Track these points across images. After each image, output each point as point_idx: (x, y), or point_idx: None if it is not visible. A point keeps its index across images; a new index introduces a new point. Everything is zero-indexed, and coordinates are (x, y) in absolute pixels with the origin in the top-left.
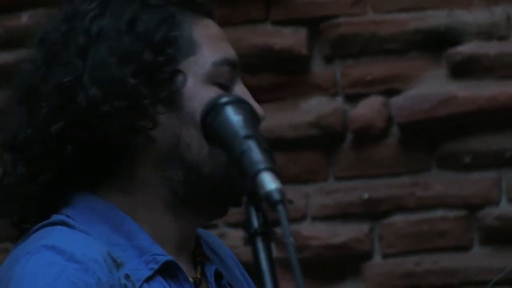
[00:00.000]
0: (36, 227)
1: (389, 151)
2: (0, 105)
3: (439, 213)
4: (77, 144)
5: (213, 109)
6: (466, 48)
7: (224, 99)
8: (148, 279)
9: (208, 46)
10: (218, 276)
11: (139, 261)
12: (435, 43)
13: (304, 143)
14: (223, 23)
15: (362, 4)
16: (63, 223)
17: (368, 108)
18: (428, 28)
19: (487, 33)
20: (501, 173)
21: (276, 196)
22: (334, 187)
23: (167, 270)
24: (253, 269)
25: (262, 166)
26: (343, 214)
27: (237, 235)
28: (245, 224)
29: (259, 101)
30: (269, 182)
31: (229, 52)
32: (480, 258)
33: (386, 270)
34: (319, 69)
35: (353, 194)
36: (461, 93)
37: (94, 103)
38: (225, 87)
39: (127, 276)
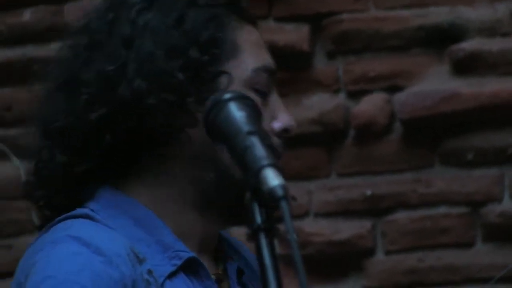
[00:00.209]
0: (59, 218)
1: (392, 148)
2: (37, 92)
3: (442, 209)
4: (114, 134)
5: (216, 105)
6: (469, 45)
7: (227, 95)
8: (170, 275)
9: (250, 51)
10: (240, 273)
11: (162, 256)
12: (438, 39)
13: (306, 140)
14: None
15: (365, 0)
16: (86, 216)
17: (371, 105)
18: (431, 24)
19: (490, 30)
20: (504, 170)
21: (280, 192)
22: (336, 184)
23: (190, 267)
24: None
25: (265, 162)
26: (346, 211)
27: (241, 232)
28: (248, 220)
29: None
30: (272, 178)
31: (269, 60)
32: (482, 255)
33: (388, 267)
34: (321, 65)
35: (356, 190)
36: (464, 89)
37: (139, 94)
38: (262, 94)
39: (149, 272)
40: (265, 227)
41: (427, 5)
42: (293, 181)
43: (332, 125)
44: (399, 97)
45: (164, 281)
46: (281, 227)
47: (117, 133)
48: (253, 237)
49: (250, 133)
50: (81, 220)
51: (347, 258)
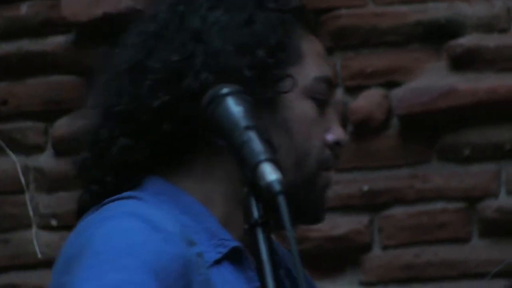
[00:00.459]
0: (107, 200)
1: (389, 143)
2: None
3: (439, 205)
4: (173, 123)
5: (214, 100)
6: (467, 41)
7: (225, 90)
8: (216, 262)
9: (312, 60)
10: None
11: (208, 243)
12: (435, 35)
13: None
14: None
15: None
16: (136, 199)
17: (368, 100)
18: (429, 20)
19: (487, 26)
20: (501, 166)
21: (277, 187)
22: (334, 179)
23: (233, 256)
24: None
25: (262, 157)
26: (343, 206)
27: None
28: (245, 215)
29: None
30: (270, 173)
31: (330, 72)
32: (479, 250)
33: (385, 262)
34: None
35: (353, 186)
36: (462, 85)
37: (206, 86)
38: (320, 103)
39: (199, 255)
40: (262, 222)
41: (425, 1)
42: None
43: None
44: (397, 92)
45: (210, 266)
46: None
47: (176, 123)
48: (250, 231)
49: (247, 128)
50: (133, 200)
51: (344, 253)
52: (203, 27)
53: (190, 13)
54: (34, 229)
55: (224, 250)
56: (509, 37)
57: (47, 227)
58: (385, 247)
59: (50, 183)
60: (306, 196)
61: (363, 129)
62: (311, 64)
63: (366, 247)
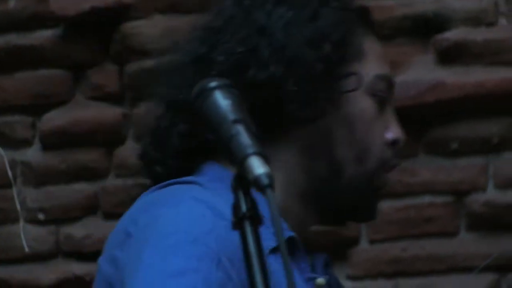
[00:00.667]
0: (170, 181)
1: None
2: (165, 67)
3: (426, 199)
4: None
5: (202, 93)
6: (454, 35)
7: (213, 84)
8: (272, 251)
9: (374, 59)
10: (326, 266)
11: (265, 231)
12: (423, 29)
13: None
14: (209, 8)
15: None
16: (197, 184)
17: None
18: (416, 14)
19: (475, 19)
20: (489, 160)
21: (265, 181)
22: None
23: (288, 247)
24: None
25: (250, 150)
26: None
27: None
28: (233, 208)
29: None
30: (258, 167)
31: (390, 72)
32: (467, 244)
33: (372, 256)
34: None
35: None
36: (449, 79)
37: (276, 79)
38: (380, 102)
39: None
40: (250, 215)
41: None
42: None
43: None
44: None
45: (268, 254)
46: None
47: None
48: (238, 225)
49: (235, 121)
50: (195, 186)
51: (332, 247)
52: (268, 21)
53: (255, 8)
54: (21, 223)
55: None
56: (496, 31)
57: (34, 221)
58: (372, 241)
59: (38, 177)
60: (362, 193)
61: None
62: (372, 62)
63: (354, 241)
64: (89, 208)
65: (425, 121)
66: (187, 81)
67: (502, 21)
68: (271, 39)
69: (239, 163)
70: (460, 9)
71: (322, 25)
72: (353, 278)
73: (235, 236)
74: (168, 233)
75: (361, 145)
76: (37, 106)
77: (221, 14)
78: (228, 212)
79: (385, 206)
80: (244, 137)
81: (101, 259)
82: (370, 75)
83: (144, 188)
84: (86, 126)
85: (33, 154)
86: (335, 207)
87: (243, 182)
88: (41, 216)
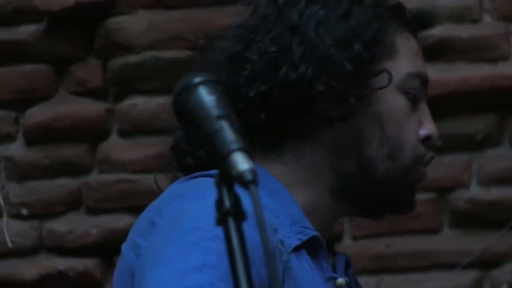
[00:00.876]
0: (198, 174)
1: None
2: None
3: None
4: (269, 112)
5: (186, 89)
6: (439, 31)
7: (197, 79)
8: (295, 249)
9: (407, 56)
10: (346, 266)
11: (289, 229)
12: None
13: None
14: (193, 4)
15: None
16: None
17: None
18: None
19: (459, 16)
20: (472, 156)
21: (249, 177)
22: None
23: (311, 246)
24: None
25: (234, 146)
26: None
27: None
28: (217, 204)
29: None
30: (242, 162)
31: (424, 69)
32: (450, 241)
33: (356, 252)
34: None
35: None
36: (433, 76)
37: (306, 78)
38: (412, 99)
39: (281, 242)
40: (234, 211)
41: None
42: None
43: None
44: None
45: (290, 253)
46: None
47: (269, 112)
48: (222, 221)
49: (219, 117)
50: None
51: None
52: (301, 20)
53: (288, 7)
54: (4, 218)
55: (304, 238)
56: (481, 27)
57: (17, 216)
58: (355, 238)
59: (21, 172)
60: (398, 188)
61: None
62: (405, 60)
63: (337, 237)
64: (72, 204)
65: None
66: (221, 79)
67: (487, 18)
68: (303, 38)
69: (223, 158)
70: (445, 6)
71: (354, 24)
72: None
73: (256, 234)
74: (189, 229)
75: (392, 142)
76: (20, 101)
77: (256, 12)
78: (251, 211)
79: None
80: (228, 133)
81: (124, 246)
82: (402, 73)
83: (126, 182)
84: (69, 121)
85: (16, 149)
86: (372, 201)
87: (227, 178)
88: (24, 211)
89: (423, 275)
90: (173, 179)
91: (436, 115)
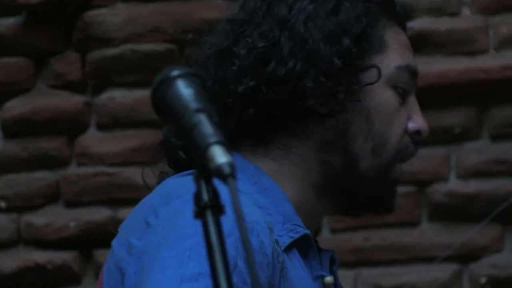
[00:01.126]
0: (190, 172)
1: None
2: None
3: None
4: (257, 108)
5: (164, 82)
6: (417, 24)
7: (175, 72)
8: (287, 248)
9: (396, 50)
10: (331, 263)
11: (281, 227)
12: None
13: None
14: None
15: None
16: None
17: None
18: None
19: (438, 9)
20: (451, 149)
21: (227, 170)
22: None
23: (301, 244)
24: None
25: (212, 139)
26: None
27: None
28: (195, 198)
29: None
30: (220, 156)
31: (413, 62)
32: (428, 234)
33: (334, 245)
34: None
35: None
36: None
37: (294, 74)
38: (402, 93)
39: (276, 242)
40: (212, 205)
41: None
42: None
43: None
44: None
45: (283, 251)
46: None
47: (258, 107)
48: (200, 214)
49: (198, 110)
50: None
51: None
52: (290, 14)
53: (277, 1)
54: None
55: (296, 236)
56: (459, 20)
57: None
58: (334, 231)
59: None
60: (380, 186)
61: None
62: (394, 54)
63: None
64: (51, 196)
65: None
66: (210, 74)
67: (466, 11)
68: (292, 33)
69: (202, 152)
70: None
71: (343, 19)
72: None
73: (254, 238)
74: (186, 234)
75: (378, 138)
76: None
77: (245, 6)
78: (249, 213)
79: None
80: (206, 126)
81: (115, 242)
82: (391, 66)
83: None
84: (48, 114)
85: None
86: (354, 200)
87: (205, 171)
88: (2, 204)
89: (401, 268)
90: (160, 175)
91: None
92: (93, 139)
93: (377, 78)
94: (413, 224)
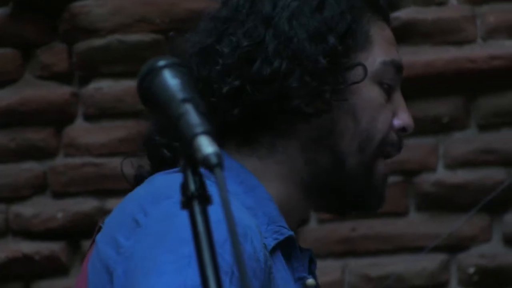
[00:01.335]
0: (179, 169)
1: None
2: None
3: None
4: (242, 107)
5: (151, 72)
6: (404, 14)
7: (161, 62)
8: (271, 251)
9: (381, 46)
10: (310, 261)
11: (266, 228)
12: None
13: None
14: None
15: None
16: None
17: None
18: None
19: None
20: (438, 139)
21: (214, 160)
22: None
23: (285, 246)
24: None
25: (199, 129)
26: None
27: None
28: (182, 188)
29: None
30: (207, 146)
31: (398, 57)
32: (416, 224)
33: (321, 235)
34: None
35: None
36: None
37: (279, 74)
38: (387, 88)
39: (265, 246)
40: (199, 195)
41: None
42: None
43: None
44: None
45: (270, 253)
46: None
47: (244, 107)
48: (187, 204)
49: (184, 100)
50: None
51: None
52: (274, 12)
53: None
54: None
55: (280, 238)
56: (446, 10)
57: None
58: (321, 221)
59: None
60: (367, 183)
61: None
62: (379, 49)
63: (302, 221)
64: (38, 187)
65: None
66: (192, 72)
67: (453, 0)
68: (276, 31)
69: (188, 142)
70: None
71: (328, 16)
72: None
73: (247, 244)
74: (184, 240)
75: (364, 135)
76: None
77: (228, 3)
78: (241, 217)
79: None
80: (193, 116)
81: (100, 238)
82: (377, 62)
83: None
84: (35, 105)
85: None
86: (343, 198)
87: (192, 162)
88: None
89: (389, 258)
90: (138, 168)
91: None
92: (80, 130)
93: (363, 76)
94: (400, 214)
